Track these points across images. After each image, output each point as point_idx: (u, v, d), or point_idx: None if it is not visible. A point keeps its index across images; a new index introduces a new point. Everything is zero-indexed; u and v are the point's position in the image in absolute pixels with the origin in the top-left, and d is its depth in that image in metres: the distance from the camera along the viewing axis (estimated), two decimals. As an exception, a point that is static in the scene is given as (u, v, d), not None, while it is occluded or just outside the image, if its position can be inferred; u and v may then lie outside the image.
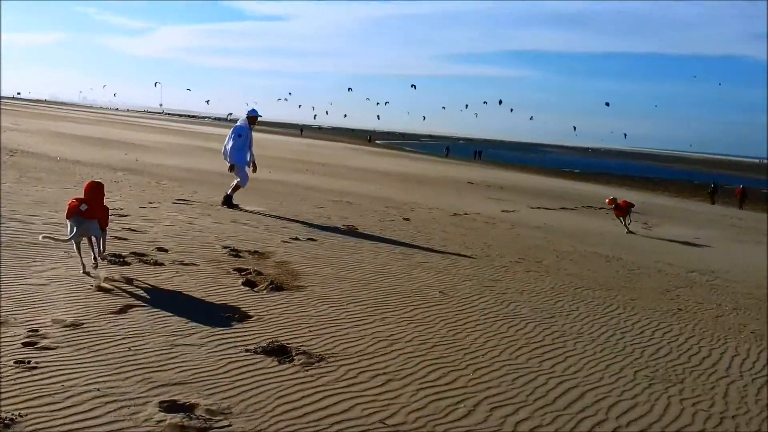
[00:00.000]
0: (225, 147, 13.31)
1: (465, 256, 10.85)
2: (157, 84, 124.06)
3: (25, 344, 4.71)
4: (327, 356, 5.31)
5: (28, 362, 4.41)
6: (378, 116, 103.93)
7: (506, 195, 27.28)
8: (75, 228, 6.41)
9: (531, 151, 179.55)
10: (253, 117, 13.42)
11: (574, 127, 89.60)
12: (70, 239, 6.50)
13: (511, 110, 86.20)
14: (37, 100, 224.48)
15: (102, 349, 4.82)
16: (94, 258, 6.65)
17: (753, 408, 5.48)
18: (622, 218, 18.26)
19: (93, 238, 6.65)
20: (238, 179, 13.09)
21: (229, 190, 13.12)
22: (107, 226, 7.03)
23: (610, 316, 7.99)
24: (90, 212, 6.48)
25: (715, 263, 14.05)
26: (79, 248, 6.68)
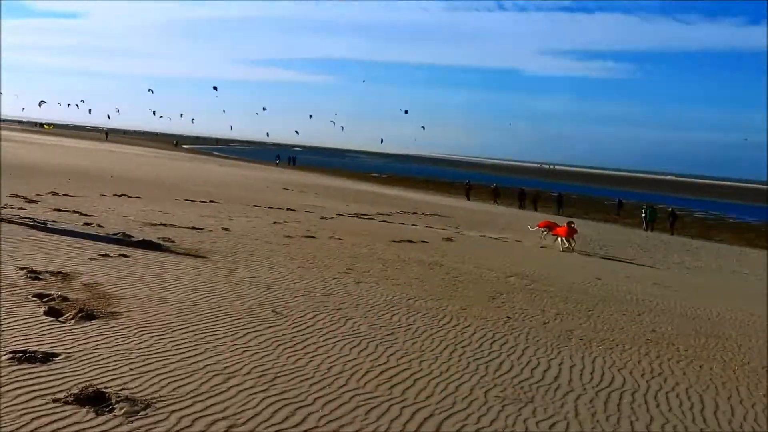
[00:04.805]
0: None
1: (293, 268, 10.31)
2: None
3: None
4: (154, 401, 4.54)
5: None
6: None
7: (322, 200, 27.03)
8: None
9: (341, 156, 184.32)
10: None
11: (382, 140, 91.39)
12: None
13: (339, 127, 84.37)
14: None
15: None
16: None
17: (605, 426, 5.44)
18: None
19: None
20: None
21: None
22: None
23: (447, 329, 7.83)
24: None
25: (528, 266, 14.62)
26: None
